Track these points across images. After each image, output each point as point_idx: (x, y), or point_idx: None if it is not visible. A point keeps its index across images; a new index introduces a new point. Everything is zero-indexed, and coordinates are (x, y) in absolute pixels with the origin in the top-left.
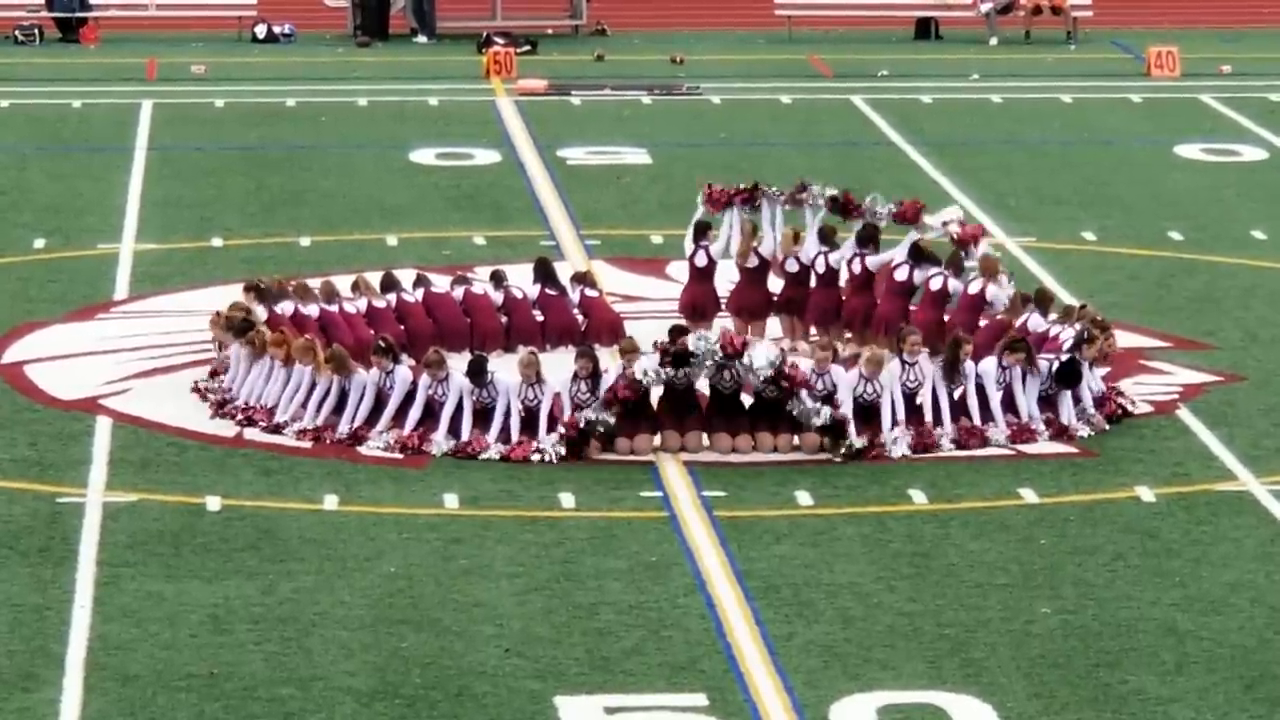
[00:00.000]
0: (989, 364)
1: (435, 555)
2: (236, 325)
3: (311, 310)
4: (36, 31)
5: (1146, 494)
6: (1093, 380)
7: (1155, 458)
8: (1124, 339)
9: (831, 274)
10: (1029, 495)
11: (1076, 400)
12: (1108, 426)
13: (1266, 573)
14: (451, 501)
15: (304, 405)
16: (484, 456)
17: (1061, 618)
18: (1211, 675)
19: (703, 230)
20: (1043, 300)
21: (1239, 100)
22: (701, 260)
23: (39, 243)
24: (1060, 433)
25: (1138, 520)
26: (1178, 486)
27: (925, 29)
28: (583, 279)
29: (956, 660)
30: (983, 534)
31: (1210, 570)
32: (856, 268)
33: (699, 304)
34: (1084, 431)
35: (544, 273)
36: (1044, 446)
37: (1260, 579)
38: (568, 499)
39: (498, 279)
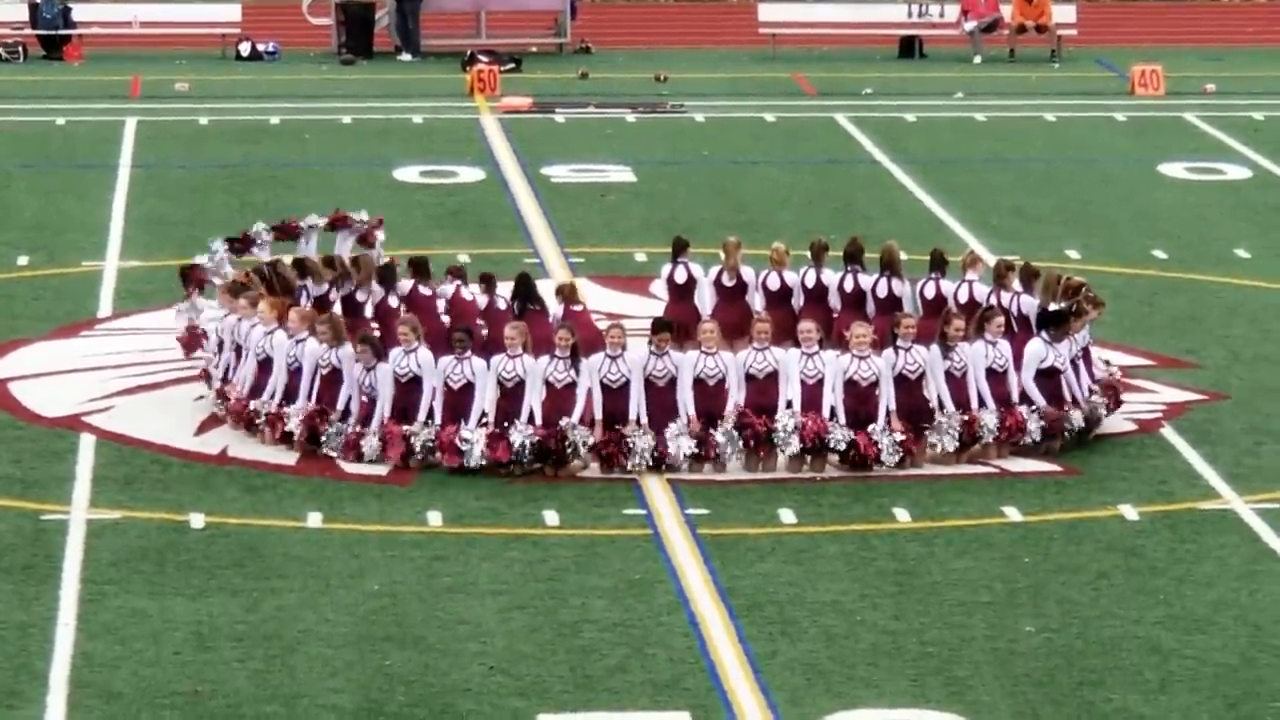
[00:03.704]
0: (978, 347)
1: (419, 573)
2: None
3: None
4: (20, 49)
5: (1130, 512)
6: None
7: (1139, 476)
8: (1107, 357)
9: (821, 291)
10: (1012, 513)
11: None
12: (1104, 414)
13: (1250, 591)
14: (435, 519)
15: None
16: (465, 451)
17: (1045, 636)
18: (1195, 694)
19: (681, 247)
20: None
21: (1223, 119)
22: (681, 277)
23: (23, 260)
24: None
25: (1121, 538)
26: (1161, 505)
27: (909, 47)
28: (566, 294)
29: (940, 678)
30: (966, 552)
31: (1194, 589)
32: (848, 286)
33: (682, 322)
34: (1077, 419)
35: (524, 291)
36: (1027, 464)
37: (1244, 597)
38: (551, 516)
39: (488, 283)
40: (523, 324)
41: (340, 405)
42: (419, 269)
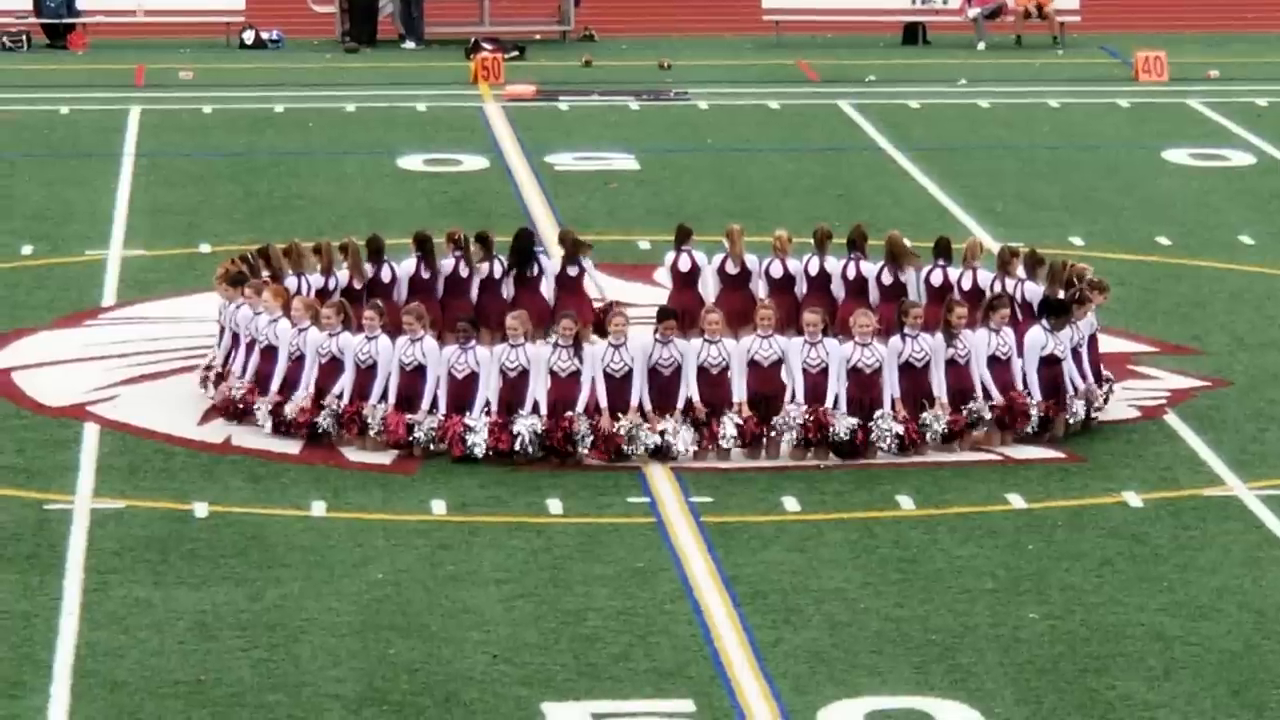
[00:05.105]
0: (981, 334)
1: (423, 561)
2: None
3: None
4: (24, 37)
5: (1134, 499)
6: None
7: (1143, 463)
8: (1111, 344)
9: (824, 278)
10: (1016, 500)
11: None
12: (1101, 403)
13: (1254, 578)
14: (439, 507)
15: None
16: (470, 441)
17: (1049, 623)
18: (1199, 680)
19: (685, 235)
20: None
21: (1227, 105)
22: (685, 265)
23: (27, 249)
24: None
25: (1125, 525)
26: (1165, 492)
27: (913, 34)
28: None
29: (944, 666)
30: (970, 539)
31: (1198, 575)
32: (851, 273)
33: (686, 310)
34: (1079, 407)
35: (521, 253)
36: (1031, 451)
37: (1248, 584)
38: (555, 505)
39: (485, 243)
40: (524, 313)
41: (335, 392)
42: (423, 246)
